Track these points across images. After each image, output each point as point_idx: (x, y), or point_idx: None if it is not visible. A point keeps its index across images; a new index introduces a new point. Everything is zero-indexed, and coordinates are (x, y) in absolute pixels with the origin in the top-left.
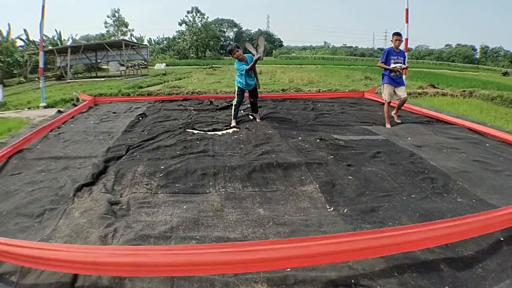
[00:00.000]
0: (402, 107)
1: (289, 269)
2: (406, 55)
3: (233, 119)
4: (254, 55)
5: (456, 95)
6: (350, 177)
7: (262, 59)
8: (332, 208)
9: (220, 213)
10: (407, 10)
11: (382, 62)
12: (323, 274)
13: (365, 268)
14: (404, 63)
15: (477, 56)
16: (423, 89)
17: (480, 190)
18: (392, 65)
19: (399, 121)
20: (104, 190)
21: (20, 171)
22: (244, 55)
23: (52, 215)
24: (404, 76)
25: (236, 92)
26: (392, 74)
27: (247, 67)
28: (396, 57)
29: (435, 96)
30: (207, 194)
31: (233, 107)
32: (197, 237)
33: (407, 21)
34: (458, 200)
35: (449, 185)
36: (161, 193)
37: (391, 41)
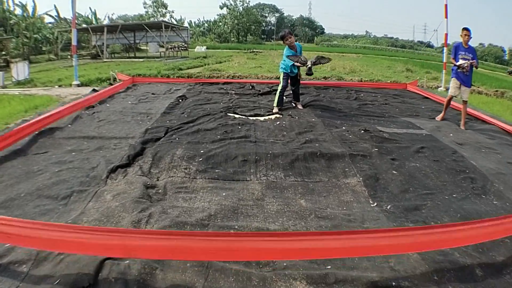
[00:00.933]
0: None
1: (329, 267)
2: (476, 53)
3: (276, 105)
4: (303, 59)
5: (490, 94)
6: (394, 172)
7: (309, 71)
8: (376, 204)
9: (260, 203)
10: (446, 5)
11: (453, 58)
12: (364, 274)
13: (407, 270)
14: (475, 61)
15: (506, 58)
16: None
17: None
18: (460, 62)
19: (463, 128)
20: (140, 173)
21: (47, 150)
22: (296, 43)
23: (81, 197)
24: (471, 76)
25: (281, 77)
26: (459, 71)
27: (292, 57)
28: (464, 53)
29: (472, 94)
30: (247, 181)
31: (277, 93)
32: (236, 226)
33: (446, 16)
34: (494, 202)
35: (487, 186)
36: (199, 178)
37: (460, 36)
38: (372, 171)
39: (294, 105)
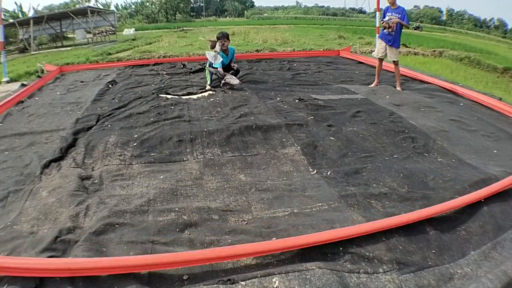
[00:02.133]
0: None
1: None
2: (406, 13)
3: (208, 83)
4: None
5: (427, 55)
6: (332, 138)
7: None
8: (315, 171)
9: (199, 182)
10: None
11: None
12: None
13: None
14: (401, 20)
15: (444, 18)
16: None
17: (458, 150)
18: (385, 18)
19: (399, 89)
20: (74, 165)
21: None
22: (230, 47)
23: (17, 197)
24: (397, 36)
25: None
26: (384, 31)
27: (219, 67)
28: (391, 14)
29: (408, 55)
30: (184, 162)
31: (206, 70)
32: (176, 209)
33: None
34: (439, 160)
35: (429, 144)
36: (135, 163)
37: None
38: (310, 139)
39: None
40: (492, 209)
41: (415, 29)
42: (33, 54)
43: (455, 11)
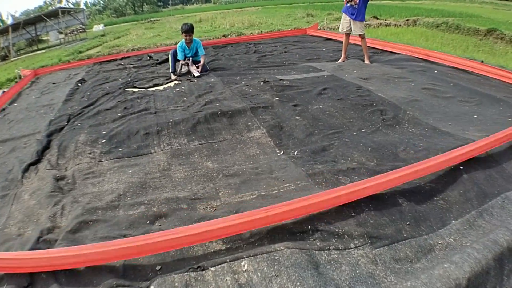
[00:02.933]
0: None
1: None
2: None
3: (172, 72)
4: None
5: (400, 25)
6: (298, 118)
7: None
8: (282, 152)
9: (167, 172)
10: None
11: None
12: (278, 224)
13: (320, 211)
14: None
15: None
16: (366, 21)
17: (432, 118)
18: None
19: (368, 62)
20: (49, 167)
21: None
22: (194, 39)
23: (5, 202)
24: (361, 9)
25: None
26: (348, 5)
27: (181, 60)
28: None
29: (379, 28)
30: (152, 154)
31: (169, 60)
32: (146, 201)
33: None
34: (410, 130)
35: (399, 115)
36: (105, 160)
37: None
38: (275, 121)
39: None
40: (474, 175)
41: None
42: (12, 61)
43: None
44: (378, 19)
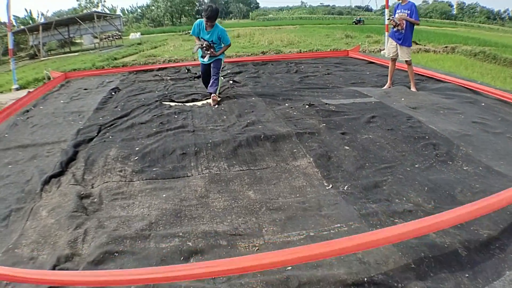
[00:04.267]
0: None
1: (290, 268)
2: (415, 8)
3: (216, 93)
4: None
5: (439, 51)
6: (347, 147)
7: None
8: (331, 186)
9: (205, 200)
10: None
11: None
12: (330, 272)
13: (378, 261)
14: (409, 16)
15: (454, 12)
16: None
17: (485, 156)
18: (395, 16)
19: (414, 90)
20: (73, 181)
21: None
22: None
23: (19, 216)
24: (407, 34)
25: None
26: (394, 29)
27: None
28: (400, 11)
29: (418, 53)
30: (188, 177)
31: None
32: (180, 233)
33: None
34: (464, 168)
35: (453, 151)
36: (136, 180)
37: None
38: (323, 149)
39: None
40: None
41: (356, 23)
42: (42, 60)
43: (466, 4)
44: (417, 44)
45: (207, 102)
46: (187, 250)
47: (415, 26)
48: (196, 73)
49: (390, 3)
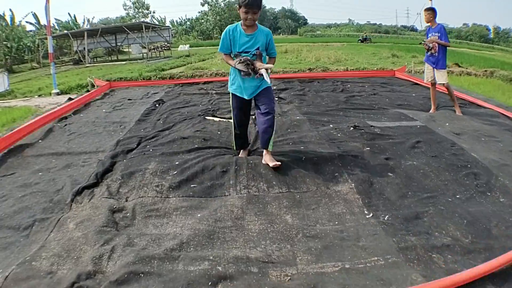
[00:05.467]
0: (437, 88)
1: None
2: (445, 31)
3: (236, 149)
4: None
5: (479, 75)
6: (390, 174)
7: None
8: (371, 214)
9: (240, 223)
10: None
11: None
12: None
13: None
14: (440, 39)
15: (491, 36)
16: (449, 67)
17: None
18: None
19: (459, 113)
20: (107, 194)
21: (14, 171)
22: (261, 28)
23: (43, 227)
24: (440, 57)
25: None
26: (428, 53)
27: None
28: (431, 34)
29: (461, 76)
30: (226, 197)
31: (233, 134)
32: (211, 257)
33: None
34: (501, 200)
35: (492, 181)
36: (173, 196)
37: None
38: (365, 175)
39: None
40: None
41: (361, 41)
42: (87, 67)
43: (501, 29)
44: (460, 66)
45: (262, 162)
46: (216, 275)
47: (449, 48)
48: None
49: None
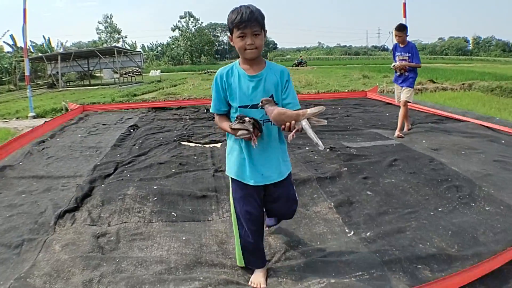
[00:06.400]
0: (410, 106)
1: None
2: (416, 51)
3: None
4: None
5: (456, 89)
6: (369, 193)
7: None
8: (353, 232)
9: (225, 247)
10: (404, 4)
11: (394, 60)
12: None
13: None
14: (411, 59)
15: (470, 48)
16: (422, 85)
17: (506, 195)
18: (395, 63)
19: (397, 133)
20: (89, 221)
21: (0, 192)
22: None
23: (31, 246)
24: (411, 76)
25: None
26: (397, 74)
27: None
28: (400, 53)
29: (436, 92)
30: (209, 221)
31: (237, 244)
32: (201, 277)
33: (405, 16)
34: (486, 208)
35: (475, 192)
36: (155, 221)
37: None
38: (344, 195)
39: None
40: None
41: (296, 65)
42: (60, 91)
43: (482, 39)
44: (434, 82)
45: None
46: None
47: (423, 65)
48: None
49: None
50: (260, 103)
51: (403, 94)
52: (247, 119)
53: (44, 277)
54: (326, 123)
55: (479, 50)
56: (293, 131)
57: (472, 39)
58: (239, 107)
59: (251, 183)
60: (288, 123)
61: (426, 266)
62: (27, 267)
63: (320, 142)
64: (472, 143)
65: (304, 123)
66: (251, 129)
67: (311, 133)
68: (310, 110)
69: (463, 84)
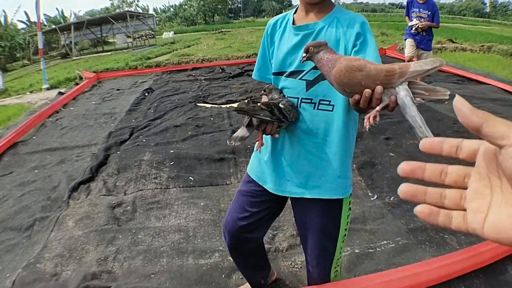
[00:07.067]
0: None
1: None
2: (437, 10)
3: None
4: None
5: (476, 50)
6: (392, 154)
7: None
8: (376, 196)
9: None
10: None
11: (406, 15)
12: None
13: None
14: (430, 18)
15: (487, 10)
16: (442, 44)
17: None
18: (413, 22)
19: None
20: (104, 191)
21: (12, 170)
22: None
23: (43, 226)
24: (430, 38)
25: None
26: (412, 31)
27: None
28: (418, 10)
29: (455, 51)
30: (227, 185)
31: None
32: (221, 247)
33: None
34: None
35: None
36: (172, 187)
37: None
38: (366, 156)
39: None
40: None
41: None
42: (74, 60)
43: (499, 3)
44: (453, 42)
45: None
46: (228, 267)
47: (441, 24)
48: (230, 73)
49: None
50: (304, 54)
51: (423, 59)
52: (262, 101)
53: (55, 259)
54: (448, 96)
55: (496, 14)
56: (378, 107)
57: (489, 2)
58: (273, 74)
59: (268, 188)
60: (367, 90)
61: (453, 237)
62: (37, 251)
63: (428, 130)
64: (495, 107)
65: (403, 93)
66: (255, 125)
67: (414, 112)
68: (415, 64)
69: (482, 45)
